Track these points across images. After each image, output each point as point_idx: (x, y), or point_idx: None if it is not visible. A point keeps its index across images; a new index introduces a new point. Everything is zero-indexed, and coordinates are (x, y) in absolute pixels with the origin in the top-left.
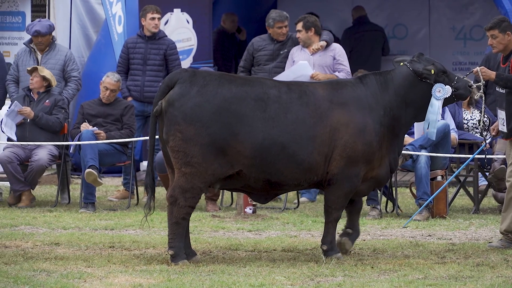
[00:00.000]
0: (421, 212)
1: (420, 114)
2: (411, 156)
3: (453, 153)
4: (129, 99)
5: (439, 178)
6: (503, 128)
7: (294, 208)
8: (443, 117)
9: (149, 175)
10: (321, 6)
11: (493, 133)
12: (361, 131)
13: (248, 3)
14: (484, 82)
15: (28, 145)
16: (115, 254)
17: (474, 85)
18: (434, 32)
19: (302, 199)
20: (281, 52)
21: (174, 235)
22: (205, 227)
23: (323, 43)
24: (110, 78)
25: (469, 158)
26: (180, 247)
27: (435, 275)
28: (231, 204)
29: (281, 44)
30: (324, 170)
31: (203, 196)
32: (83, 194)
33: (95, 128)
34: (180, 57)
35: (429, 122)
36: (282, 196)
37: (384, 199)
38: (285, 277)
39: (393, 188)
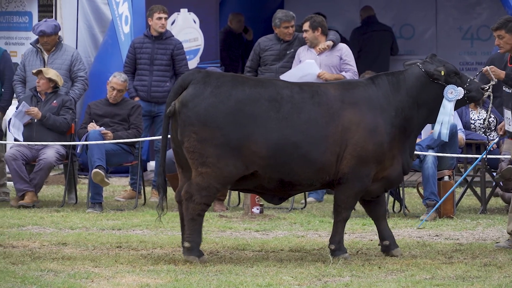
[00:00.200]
0: (428, 212)
1: (432, 115)
2: (418, 156)
3: (461, 153)
4: (136, 99)
5: (446, 178)
6: (510, 128)
7: (301, 208)
8: None
9: (160, 176)
10: (329, 6)
11: (500, 133)
12: (372, 131)
13: (255, 3)
14: (495, 81)
15: (35, 145)
16: (122, 254)
17: (487, 87)
18: (441, 32)
19: (309, 199)
20: (288, 52)
21: (191, 230)
22: (212, 227)
23: (330, 43)
24: (117, 78)
25: (477, 158)
26: (197, 243)
27: (442, 275)
28: (238, 204)
29: (287, 44)
30: (336, 170)
31: None
32: (90, 194)
33: (102, 128)
34: (187, 57)
35: (441, 123)
36: None
37: (391, 199)
38: (292, 277)
39: (400, 188)
